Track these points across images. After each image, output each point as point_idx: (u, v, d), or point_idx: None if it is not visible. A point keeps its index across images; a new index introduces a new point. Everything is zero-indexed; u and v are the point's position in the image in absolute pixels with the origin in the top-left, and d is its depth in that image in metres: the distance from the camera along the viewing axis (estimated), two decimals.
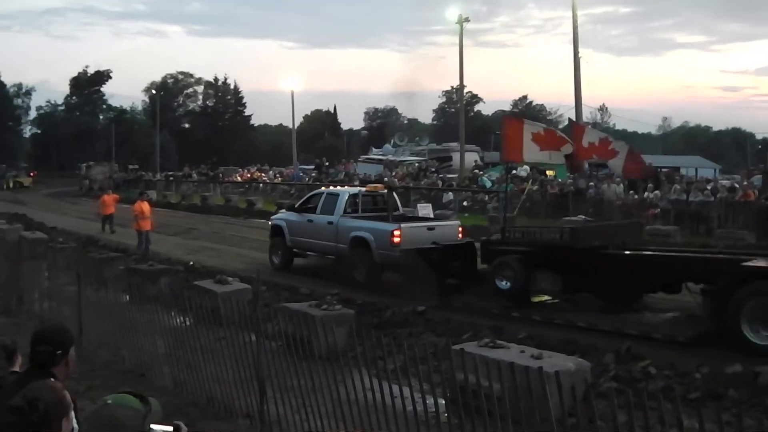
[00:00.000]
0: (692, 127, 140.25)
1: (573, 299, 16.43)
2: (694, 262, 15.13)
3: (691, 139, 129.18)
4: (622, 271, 15.31)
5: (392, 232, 19.09)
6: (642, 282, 15.22)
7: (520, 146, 18.33)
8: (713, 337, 12.96)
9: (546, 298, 16.83)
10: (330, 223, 21.15)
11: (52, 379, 4.29)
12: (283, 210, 26.95)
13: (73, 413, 3.87)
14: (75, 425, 4.01)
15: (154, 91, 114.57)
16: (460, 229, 20.70)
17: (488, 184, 44.67)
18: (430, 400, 6.87)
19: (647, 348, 12.31)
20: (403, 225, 19.57)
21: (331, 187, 28.07)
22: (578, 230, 17.16)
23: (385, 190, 22.89)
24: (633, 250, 16.12)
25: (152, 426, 3.51)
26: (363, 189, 23.87)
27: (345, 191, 23.12)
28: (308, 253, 22.54)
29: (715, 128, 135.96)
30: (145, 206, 25.50)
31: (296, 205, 24.08)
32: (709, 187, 34.43)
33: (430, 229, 19.89)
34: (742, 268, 13.05)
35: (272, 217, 25.35)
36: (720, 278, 13.29)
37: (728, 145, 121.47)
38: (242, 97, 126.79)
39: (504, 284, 16.42)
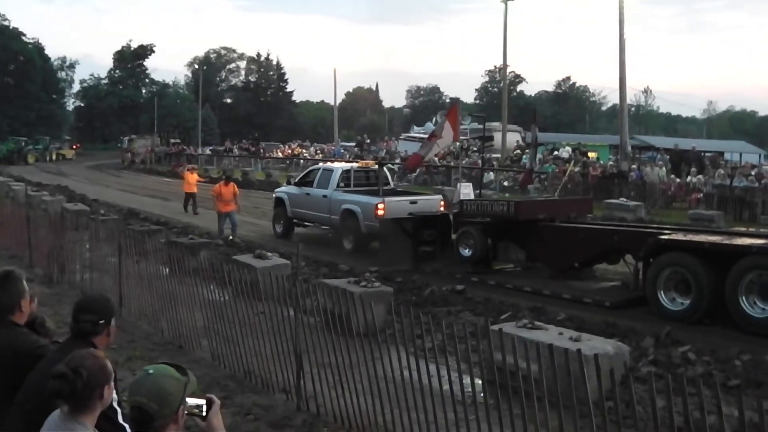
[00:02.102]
0: (738, 111, 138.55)
1: (532, 267, 18.00)
2: (620, 234, 16.42)
3: (737, 123, 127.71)
4: (561, 241, 17.05)
5: (377, 205, 20.76)
6: (579, 252, 16.73)
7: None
8: (639, 304, 14.38)
9: (510, 265, 18.63)
10: (324, 196, 22.95)
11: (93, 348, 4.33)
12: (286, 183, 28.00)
13: (113, 382, 3.90)
14: (114, 395, 4.04)
15: (197, 66, 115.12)
16: (442, 202, 22.33)
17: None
18: (467, 380, 6.85)
19: (687, 333, 12.23)
20: (387, 198, 21.18)
21: (328, 163, 29.22)
22: (521, 203, 18.91)
23: (376, 166, 24.42)
24: (576, 224, 17.74)
25: (187, 399, 3.54)
26: (355, 165, 25.76)
27: (339, 167, 24.72)
28: (306, 223, 24.21)
29: (762, 113, 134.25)
30: (226, 189, 24.15)
31: (296, 179, 25.62)
32: (753, 173, 34.02)
33: (413, 202, 21.61)
34: (658, 240, 14.28)
35: (276, 190, 26.55)
36: (642, 249, 14.64)
37: None
38: (284, 73, 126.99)
39: (467, 252, 18.15)
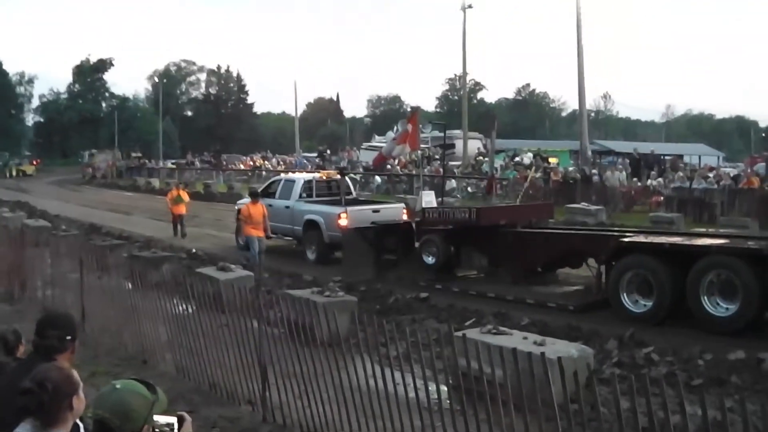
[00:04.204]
0: (695, 114, 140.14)
1: (495, 273, 17.80)
2: (581, 238, 16.80)
3: (695, 126, 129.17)
4: (523, 246, 17.11)
5: (339, 214, 20.74)
6: (541, 256, 16.94)
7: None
8: (602, 307, 14.41)
9: (473, 272, 18.57)
10: (287, 207, 22.80)
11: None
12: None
13: (81, 392, 3.86)
14: None
15: (156, 79, 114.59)
16: (405, 210, 22.43)
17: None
18: (432, 387, 6.86)
19: (650, 335, 12.32)
20: (349, 208, 21.18)
21: (290, 174, 28.83)
22: (482, 210, 19.01)
23: (338, 176, 24.62)
24: (537, 229, 17.86)
25: (155, 417, 3.49)
26: (317, 175, 25.61)
27: (301, 177, 24.73)
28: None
29: (719, 116, 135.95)
30: (255, 209, 20.07)
31: (259, 191, 24.51)
32: (711, 175, 34.41)
33: (376, 211, 21.61)
34: (619, 243, 14.36)
35: (238, 202, 25.82)
36: (604, 252, 14.70)
37: (731, 133, 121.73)
38: (245, 85, 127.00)
39: (430, 259, 18.18)
